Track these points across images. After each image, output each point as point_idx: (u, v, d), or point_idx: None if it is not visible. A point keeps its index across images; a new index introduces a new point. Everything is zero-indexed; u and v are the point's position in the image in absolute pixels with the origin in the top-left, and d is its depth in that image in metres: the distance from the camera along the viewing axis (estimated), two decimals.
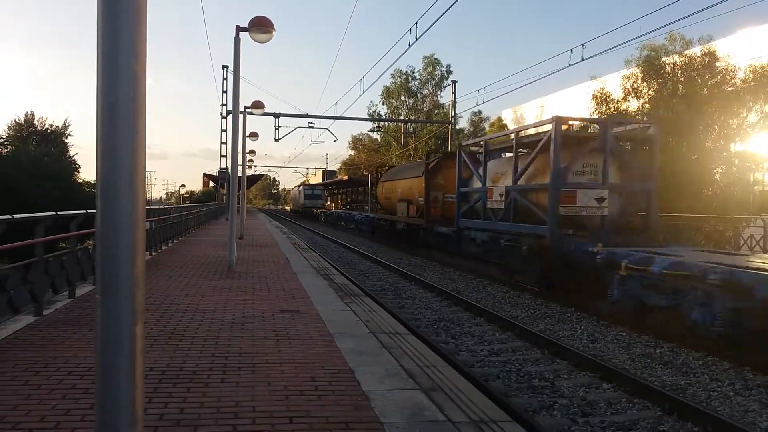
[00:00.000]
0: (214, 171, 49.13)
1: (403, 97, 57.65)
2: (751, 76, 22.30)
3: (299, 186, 77.02)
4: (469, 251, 17.18)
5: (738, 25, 43.89)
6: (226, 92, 37.77)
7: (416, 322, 10.06)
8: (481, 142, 17.42)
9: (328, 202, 65.88)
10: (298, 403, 4.20)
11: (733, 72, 23.07)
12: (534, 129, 17.03)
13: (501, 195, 15.23)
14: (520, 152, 14.96)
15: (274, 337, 6.13)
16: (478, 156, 17.63)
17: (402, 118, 54.68)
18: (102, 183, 1.87)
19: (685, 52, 24.98)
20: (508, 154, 16.57)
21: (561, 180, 12.81)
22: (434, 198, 20.95)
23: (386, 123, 56.61)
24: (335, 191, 67.41)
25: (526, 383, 6.90)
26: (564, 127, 13.12)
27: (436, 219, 20.53)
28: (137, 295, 1.85)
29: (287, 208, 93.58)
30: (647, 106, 25.60)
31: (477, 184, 17.12)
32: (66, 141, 46.42)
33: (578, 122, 14.89)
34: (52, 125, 46.71)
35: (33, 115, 46.63)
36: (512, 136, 15.36)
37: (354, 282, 12.98)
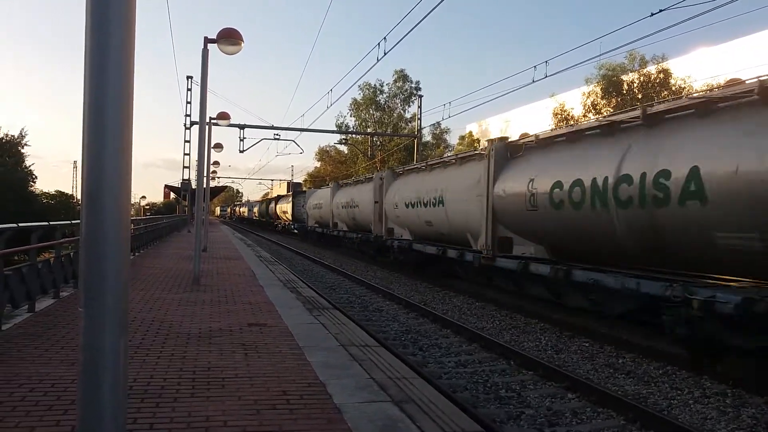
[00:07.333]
0: (175, 182, 48.53)
1: (371, 110, 57.85)
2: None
3: (221, 206, 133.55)
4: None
5: (692, 46, 45.54)
6: (190, 103, 37.24)
7: (384, 334, 10.07)
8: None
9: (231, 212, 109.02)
10: (270, 417, 4.17)
11: (690, 90, 23.95)
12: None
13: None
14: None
15: (243, 351, 6.06)
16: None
17: (369, 131, 54.83)
18: (88, 192, 1.84)
19: (643, 70, 25.89)
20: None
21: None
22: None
23: (353, 135, 56.74)
24: (234, 206, 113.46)
25: (494, 394, 6.98)
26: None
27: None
28: (122, 307, 1.83)
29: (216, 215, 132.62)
30: None
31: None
32: (22, 151, 45.02)
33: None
34: (7, 134, 45.23)
35: None
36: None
37: (321, 295, 12.92)
